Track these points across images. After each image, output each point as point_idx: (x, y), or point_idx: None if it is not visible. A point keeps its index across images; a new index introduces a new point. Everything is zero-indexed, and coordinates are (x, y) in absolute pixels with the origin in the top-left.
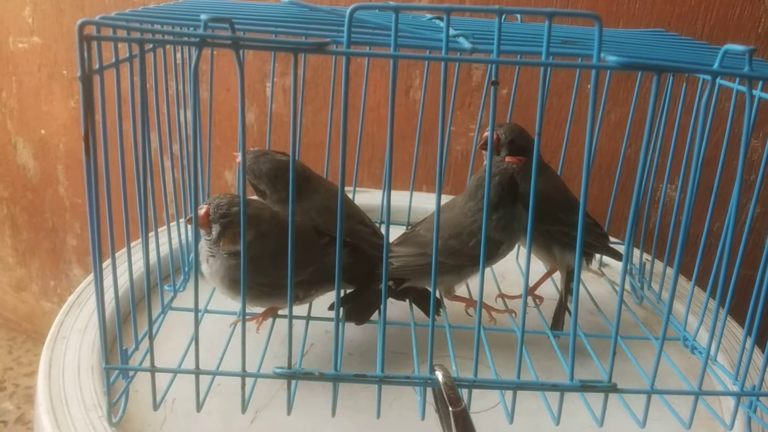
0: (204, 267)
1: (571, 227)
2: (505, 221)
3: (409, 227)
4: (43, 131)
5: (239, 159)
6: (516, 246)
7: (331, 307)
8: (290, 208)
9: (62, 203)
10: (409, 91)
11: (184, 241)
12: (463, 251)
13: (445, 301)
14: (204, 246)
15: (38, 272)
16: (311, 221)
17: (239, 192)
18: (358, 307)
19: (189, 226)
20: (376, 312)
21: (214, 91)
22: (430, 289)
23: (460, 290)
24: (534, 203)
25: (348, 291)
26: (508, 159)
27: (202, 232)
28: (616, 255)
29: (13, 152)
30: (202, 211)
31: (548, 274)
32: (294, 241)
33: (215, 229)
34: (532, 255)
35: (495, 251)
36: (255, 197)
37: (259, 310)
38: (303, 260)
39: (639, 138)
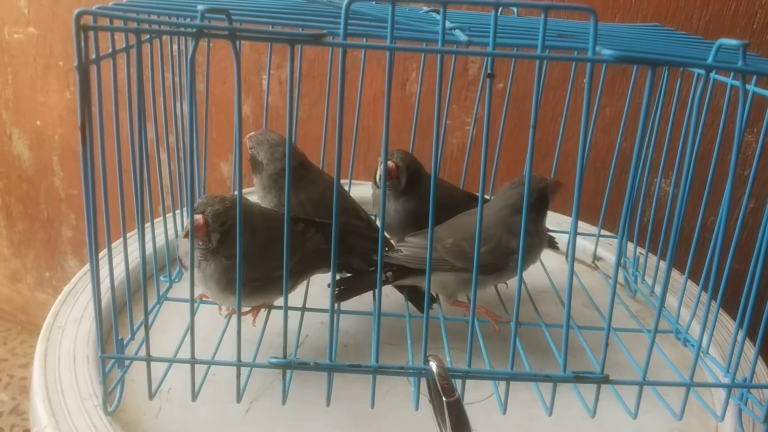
0: (196, 272)
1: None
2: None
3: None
4: (38, 122)
5: (247, 140)
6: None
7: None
8: (286, 197)
9: (57, 194)
10: (406, 85)
11: (179, 233)
12: (472, 255)
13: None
14: (196, 252)
15: (33, 263)
16: (306, 214)
17: (236, 180)
18: (349, 288)
19: (186, 218)
20: (371, 303)
21: (210, 83)
22: (429, 291)
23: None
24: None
25: (343, 276)
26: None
27: (197, 241)
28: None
29: (9, 143)
30: (199, 223)
31: None
32: (277, 233)
33: (214, 237)
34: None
35: (505, 259)
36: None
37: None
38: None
39: (634, 133)
